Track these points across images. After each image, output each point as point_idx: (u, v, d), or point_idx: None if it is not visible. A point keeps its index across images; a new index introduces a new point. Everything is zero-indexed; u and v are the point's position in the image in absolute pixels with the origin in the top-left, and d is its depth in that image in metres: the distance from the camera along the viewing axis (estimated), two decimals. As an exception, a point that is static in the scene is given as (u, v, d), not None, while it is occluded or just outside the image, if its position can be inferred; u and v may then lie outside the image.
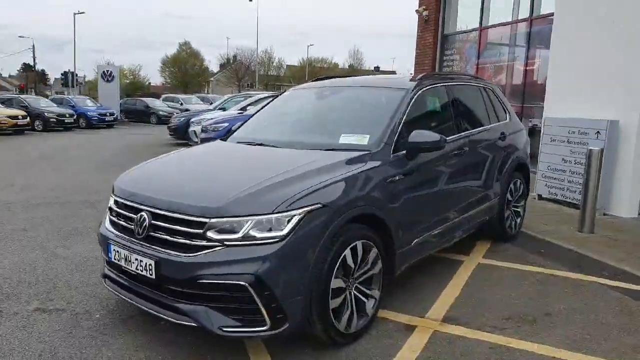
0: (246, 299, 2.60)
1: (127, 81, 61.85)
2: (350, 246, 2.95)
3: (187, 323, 2.71)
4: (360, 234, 3.03)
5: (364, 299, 3.14)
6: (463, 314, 3.52)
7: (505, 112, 5.26)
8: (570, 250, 4.84)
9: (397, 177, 3.39)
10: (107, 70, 27.46)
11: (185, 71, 61.97)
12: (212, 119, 11.55)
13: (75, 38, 37.05)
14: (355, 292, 3.09)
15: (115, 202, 3.25)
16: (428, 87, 4.07)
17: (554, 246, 5.00)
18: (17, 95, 25.53)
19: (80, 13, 37.80)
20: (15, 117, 18.82)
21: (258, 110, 4.73)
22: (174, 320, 2.75)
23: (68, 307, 3.55)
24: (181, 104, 29.44)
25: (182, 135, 14.22)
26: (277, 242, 2.63)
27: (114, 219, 3.22)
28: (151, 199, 2.96)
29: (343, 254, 2.90)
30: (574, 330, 3.31)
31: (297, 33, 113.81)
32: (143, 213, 2.93)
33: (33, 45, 52.97)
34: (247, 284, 2.57)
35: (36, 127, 20.66)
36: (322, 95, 4.40)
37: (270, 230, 2.65)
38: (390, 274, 3.40)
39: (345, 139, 3.57)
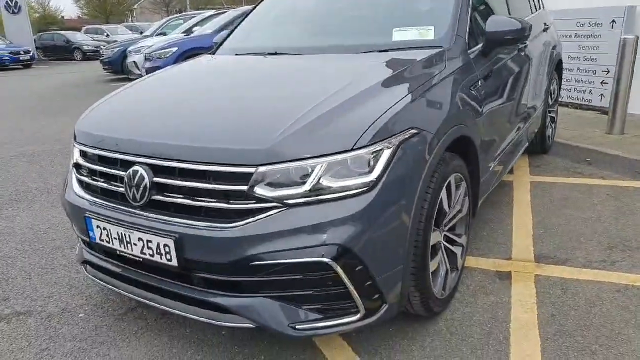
0: (329, 280, 1.70)
1: (37, 15, 55.16)
2: (444, 185, 2.07)
3: (239, 325, 1.80)
4: (453, 165, 2.14)
5: (454, 249, 2.33)
6: (555, 249, 2.81)
7: (539, 1, 4.35)
8: (619, 156, 4.20)
9: (479, 83, 2.48)
10: (12, 0, 23.67)
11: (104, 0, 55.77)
12: (154, 45, 9.91)
13: None
14: (445, 243, 2.26)
15: (83, 154, 2.17)
16: None
17: (599, 154, 4.35)
18: None
19: None
20: None
21: (245, 15, 3.51)
22: (215, 322, 1.83)
23: (33, 308, 2.51)
24: (107, 35, 26.38)
25: (119, 69, 12.43)
26: (365, 191, 1.70)
27: (85, 179, 2.15)
28: (149, 145, 1.90)
29: (439, 197, 2.02)
30: (697, 252, 2.69)
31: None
32: (137, 167, 1.88)
33: None
34: (330, 261, 1.65)
35: (-62, 74, 17.72)
36: None
37: (353, 175, 1.71)
38: (473, 212, 2.59)
39: (400, 35, 2.55)
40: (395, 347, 2.07)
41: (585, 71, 6.26)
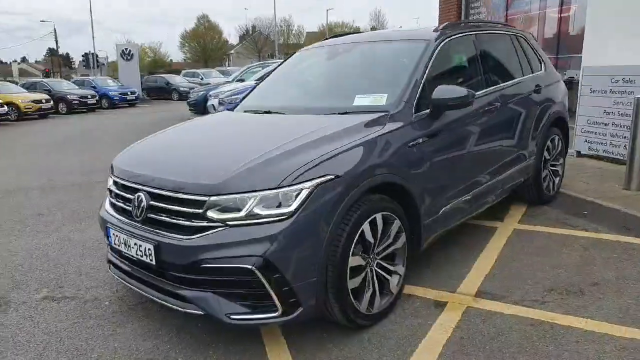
0: (254, 283, 2.34)
1: (149, 59, 61.94)
2: (369, 219, 2.64)
3: (193, 311, 2.48)
4: (380, 205, 2.71)
5: (387, 276, 2.85)
6: (499, 287, 3.19)
7: (540, 62, 4.76)
8: (616, 210, 4.39)
9: (421, 140, 3.03)
10: (126, 49, 27.32)
11: (205, 45, 61.48)
12: (229, 90, 11.23)
13: (92, 19, 37.08)
14: (377, 269, 2.79)
15: (114, 182, 3.01)
16: (453, 37, 3.63)
17: (598, 207, 4.56)
18: (40, 80, 25.70)
19: None
20: (39, 102, 18.97)
21: (265, 76, 4.38)
22: (179, 309, 2.52)
23: (77, 295, 3.37)
24: (201, 78, 29.20)
25: (201, 110, 13.96)
26: (284, 219, 2.34)
27: (113, 200, 2.99)
28: (148, 178, 2.70)
29: (361, 229, 2.59)
30: (627, 302, 2.94)
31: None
32: (140, 193, 2.67)
33: (55, 29, 53.58)
34: (253, 268, 2.30)
35: (60, 110, 20.83)
36: (334, 53, 4.00)
37: (276, 206, 2.36)
38: (416, 247, 3.09)
39: (360, 101, 3.20)
40: (321, 348, 2.62)
41: (620, 126, 6.37)
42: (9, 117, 18.00)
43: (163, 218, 2.55)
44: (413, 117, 3.06)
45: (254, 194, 2.36)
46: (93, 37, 38.33)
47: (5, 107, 17.35)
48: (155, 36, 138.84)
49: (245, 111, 3.69)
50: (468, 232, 4.14)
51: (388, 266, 2.86)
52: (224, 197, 2.38)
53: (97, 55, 36.61)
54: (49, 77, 43.61)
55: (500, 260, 3.61)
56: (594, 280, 3.24)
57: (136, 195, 2.69)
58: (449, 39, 3.58)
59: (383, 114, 3.00)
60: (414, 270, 3.44)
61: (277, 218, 2.34)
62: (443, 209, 3.27)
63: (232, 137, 3.15)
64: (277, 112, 3.42)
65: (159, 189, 2.59)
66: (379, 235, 2.74)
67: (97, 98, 22.39)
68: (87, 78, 27.65)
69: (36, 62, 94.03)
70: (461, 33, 3.77)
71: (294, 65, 4.27)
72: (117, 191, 2.93)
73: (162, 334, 2.83)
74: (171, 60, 67.59)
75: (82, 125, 16.03)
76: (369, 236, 2.66)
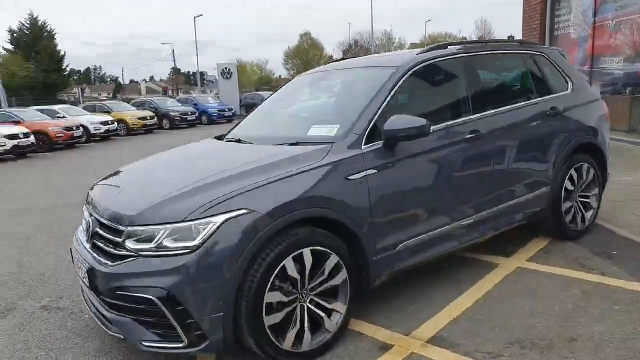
0: (159, 313, 2.42)
1: (257, 76, 65.49)
2: (293, 255, 2.59)
3: (115, 334, 2.62)
4: (308, 239, 2.65)
5: (321, 313, 2.76)
6: (459, 333, 2.93)
7: (566, 82, 4.30)
8: (649, 251, 3.81)
9: (368, 172, 2.90)
10: (226, 68, 29.23)
11: (307, 61, 63.53)
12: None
13: (196, 40, 40.31)
14: (310, 306, 2.72)
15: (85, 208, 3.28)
16: (430, 62, 3.44)
17: (631, 244, 3.99)
18: (147, 99, 28.41)
19: (199, 16, 41.19)
20: (144, 118, 21.08)
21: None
22: (106, 330, 2.67)
23: (68, 307, 3.71)
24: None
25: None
26: (188, 253, 2.40)
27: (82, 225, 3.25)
28: (99, 206, 2.90)
29: (281, 264, 2.55)
30: (596, 365, 2.55)
31: (419, 9, 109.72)
32: (90, 220, 2.89)
33: (173, 51, 58.71)
34: (155, 298, 2.38)
35: (163, 126, 22.84)
36: (316, 80, 3.99)
37: (184, 240, 2.42)
38: (365, 284, 2.96)
39: (314, 131, 3.17)
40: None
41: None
42: (119, 132, 20.26)
43: (100, 244, 2.73)
44: (362, 149, 2.95)
45: (164, 226, 2.45)
46: (197, 57, 41.86)
47: (116, 124, 19.61)
48: (267, 54, 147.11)
49: (227, 140, 3.80)
50: (463, 266, 3.86)
51: (324, 303, 2.77)
52: (138, 228, 2.49)
53: (206, 74, 39.58)
54: (165, 94, 48.01)
55: (481, 301, 3.31)
56: (573, 334, 2.84)
57: (89, 220, 2.91)
58: (424, 64, 3.40)
59: (326, 145, 2.93)
60: (375, 306, 3.31)
61: (183, 251, 2.40)
62: (402, 244, 3.09)
63: (181, 168, 3.27)
64: (245, 141, 3.49)
65: (101, 217, 2.78)
66: (307, 271, 2.67)
67: (196, 115, 24.19)
68: (189, 96, 29.97)
69: (161, 80, 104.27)
70: (445, 57, 3.55)
71: (283, 91, 4.31)
72: (84, 216, 3.18)
73: (117, 351, 3.01)
74: (279, 76, 70.85)
75: (179, 139, 17.42)
76: (292, 272, 2.61)
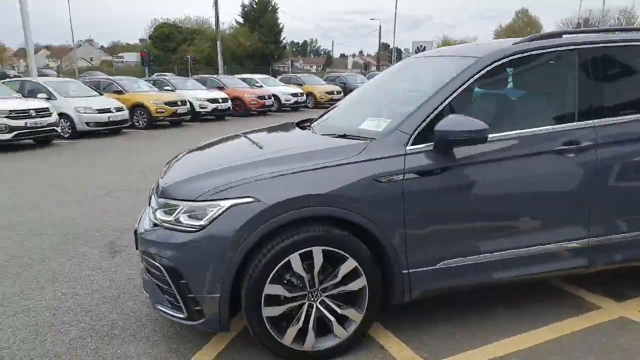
0: (167, 283, 2.60)
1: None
2: (300, 251, 2.50)
3: (145, 294, 2.89)
4: (320, 238, 2.52)
5: (331, 317, 2.62)
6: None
7: None
8: None
9: (407, 176, 2.59)
10: (421, 46, 28.73)
11: (518, 41, 58.21)
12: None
13: (395, 15, 40.28)
14: (320, 307, 2.60)
15: None
16: (525, 54, 2.85)
17: None
18: (340, 74, 28.30)
19: None
20: (331, 93, 22.08)
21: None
22: (143, 291, 2.96)
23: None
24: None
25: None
26: (194, 231, 2.50)
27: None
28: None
29: (287, 259, 2.49)
30: None
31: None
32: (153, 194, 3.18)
33: (380, 27, 60.16)
34: (162, 267, 2.56)
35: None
36: (406, 67, 3.62)
37: (196, 218, 2.52)
38: (392, 298, 2.70)
39: (366, 124, 2.94)
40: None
41: None
42: (307, 104, 21.65)
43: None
44: (407, 150, 2.64)
45: (181, 202, 2.59)
46: (394, 34, 41.85)
47: (305, 97, 20.97)
48: (478, 31, 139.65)
49: (303, 125, 3.71)
50: (552, 300, 3.22)
51: (336, 308, 2.63)
52: (165, 200, 2.68)
53: (403, 51, 39.49)
54: (367, 69, 49.29)
55: (541, 347, 2.73)
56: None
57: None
58: (516, 56, 2.82)
59: (366, 141, 2.70)
60: (416, 322, 3.01)
61: (191, 229, 2.51)
62: (444, 262, 2.71)
63: (230, 150, 3.30)
64: (312, 131, 3.37)
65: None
66: (315, 270, 2.55)
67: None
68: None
69: (367, 55, 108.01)
70: (549, 49, 2.89)
71: (379, 77, 4.02)
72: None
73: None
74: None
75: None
76: (298, 269, 2.52)
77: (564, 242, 2.86)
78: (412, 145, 2.65)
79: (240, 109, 18.04)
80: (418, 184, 2.61)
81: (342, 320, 2.65)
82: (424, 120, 2.68)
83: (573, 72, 2.90)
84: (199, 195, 2.53)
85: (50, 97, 12.14)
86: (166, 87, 16.80)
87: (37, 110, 10.62)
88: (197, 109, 16.13)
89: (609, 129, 2.85)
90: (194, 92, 16.64)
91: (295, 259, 2.50)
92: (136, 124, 14.40)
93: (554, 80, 3.00)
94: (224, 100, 16.84)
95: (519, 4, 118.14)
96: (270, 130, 3.78)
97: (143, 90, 15.37)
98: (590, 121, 2.84)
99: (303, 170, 2.56)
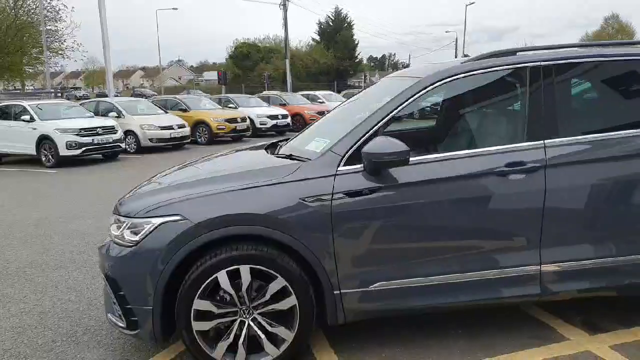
0: (109, 293, 2.79)
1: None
2: (227, 269, 2.59)
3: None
4: (247, 257, 2.59)
5: (261, 334, 2.66)
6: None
7: None
8: None
9: (335, 197, 2.60)
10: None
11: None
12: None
13: (465, 27, 39.02)
14: (252, 324, 2.67)
15: None
16: (469, 75, 2.76)
17: None
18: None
19: (471, 4, 39.88)
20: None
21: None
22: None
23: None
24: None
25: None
26: (129, 246, 2.68)
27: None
28: None
29: (214, 276, 2.59)
30: None
31: None
32: None
33: (456, 39, 58.84)
34: (105, 280, 2.77)
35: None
36: (376, 87, 3.60)
37: (135, 234, 2.70)
38: (329, 319, 2.71)
39: (311, 145, 2.97)
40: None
41: None
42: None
43: None
44: (337, 170, 2.64)
45: (125, 219, 2.78)
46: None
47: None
48: (567, 41, 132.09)
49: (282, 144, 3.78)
50: (514, 327, 3.03)
51: (266, 325, 2.67)
52: (116, 216, 2.89)
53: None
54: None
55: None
56: None
57: None
58: (460, 76, 2.75)
59: (299, 162, 2.74)
60: (361, 342, 2.97)
61: (128, 244, 2.70)
62: (377, 284, 2.66)
63: (189, 170, 3.36)
64: (275, 154, 3.39)
65: None
66: (243, 288, 2.62)
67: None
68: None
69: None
70: (500, 67, 2.77)
71: (356, 96, 3.96)
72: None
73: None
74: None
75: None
76: (225, 286, 2.60)
77: (510, 268, 2.70)
78: (343, 166, 2.66)
79: (300, 124, 18.45)
80: (347, 204, 2.61)
81: (274, 338, 2.69)
82: (356, 142, 2.68)
83: (524, 90, 2.76)
84: (137, 213, 2.71)
85: (119, 115, 13.24)
86: (230, 105, 17.64)
87: (104, 128, 11.64)
88: (257, 125, 16.77)
89: (560, 149, 2.67)
90: (255, 110, 17.32)
91: (222, 276, 2.59)
92: (198, 140, 15.25)
93: (501, 100, 2.87)
94: (284, 116, 17.36)
95: (617, 11, 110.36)
96: (239, 150, 3.91)
97: (206, 108, 16.26)
98: (540, 142, 2.67)
99: (230, 190, 2.66)
